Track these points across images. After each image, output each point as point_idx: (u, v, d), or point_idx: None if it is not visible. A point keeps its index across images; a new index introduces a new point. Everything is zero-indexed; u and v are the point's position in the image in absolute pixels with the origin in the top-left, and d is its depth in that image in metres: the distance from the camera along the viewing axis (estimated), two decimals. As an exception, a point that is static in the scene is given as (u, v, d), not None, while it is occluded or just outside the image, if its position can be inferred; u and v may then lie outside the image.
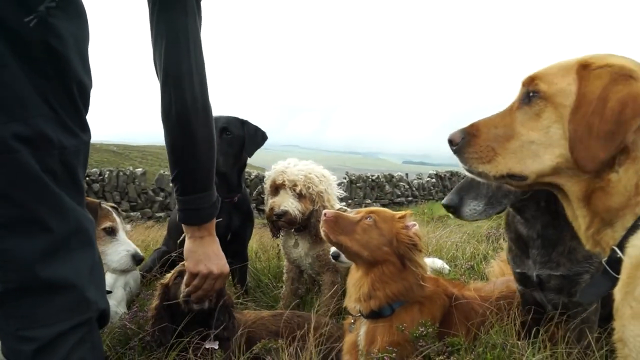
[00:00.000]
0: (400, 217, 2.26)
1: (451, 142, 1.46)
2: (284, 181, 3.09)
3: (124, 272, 2.64)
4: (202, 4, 1.90)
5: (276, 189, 3.14)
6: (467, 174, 1.49)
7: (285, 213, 3.03)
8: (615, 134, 1.21)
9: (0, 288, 1.53)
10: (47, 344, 1.53)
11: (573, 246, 2.06)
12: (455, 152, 1.46)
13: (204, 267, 2.09)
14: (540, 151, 1.34)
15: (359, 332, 2.23)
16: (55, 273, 1.55)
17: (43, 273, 1.52)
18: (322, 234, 2.21)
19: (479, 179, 1.47)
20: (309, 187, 3.07)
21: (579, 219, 1.39)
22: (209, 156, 2.02)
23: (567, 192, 1.38)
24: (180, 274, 2.38)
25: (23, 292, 1.53)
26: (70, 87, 1.56)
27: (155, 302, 2.44)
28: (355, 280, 2.22)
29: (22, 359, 1.53)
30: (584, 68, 1.31)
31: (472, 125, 1.45)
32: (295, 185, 3.08)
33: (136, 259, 2.62)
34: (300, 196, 3.07)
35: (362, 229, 2.18)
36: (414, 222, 2.29)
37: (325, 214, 2.21)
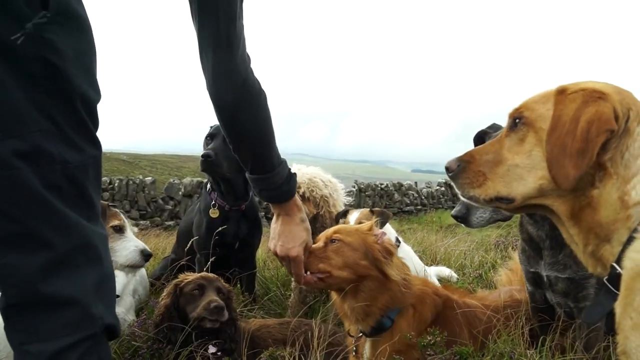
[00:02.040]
0: (368, 229, 2.22)
1: (448, 169, 1.56)
2: None
3: (132, 267, 2.66)
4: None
5: None
6: (462, 198, 1.57)
7: None
8: (585, 151, 1.29)
9: (3, 303, 1.55)
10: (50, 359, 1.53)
11: None
12: (451, 178, 1.56)
13: (289, 250, 2.04)
14: (524, 174, 1.42)
15: (363, 349, 2.23)
16: (57, 289, 1.54)
17: (44, 289, 1.52)
18: (307, 282, 2.12)
19: (470, 202, 1.56)
20: (312, 190, 3.12)
21: (574, 238, 1.44)
22: (262, 137, 1.94)
23: (557, 212, 1.44)
24: (200, 287, 2.39)
25: (25, 308, 1.54)
26: (73, 102, 1.55)
27: (165, 300, 2.44)
28: (346, 305, 2.18)
29: None
30: (561, 93, 1.40)
31: (466, 154, 1.56)
32: (299, 187, 3.14)
33: (144, 254, 2.66)
34: (303, 199, 3.13)
35: (333, 252, 2.13)
36: (383, 231, 2.26)
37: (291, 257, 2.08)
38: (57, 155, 1.51)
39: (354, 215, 3.15)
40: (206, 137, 3.44)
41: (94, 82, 1.65)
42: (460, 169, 1.52)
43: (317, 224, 3.15)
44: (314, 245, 2.19)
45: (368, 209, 3.20)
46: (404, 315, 2.17)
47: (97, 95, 1.66)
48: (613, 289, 1.33)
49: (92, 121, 1.64)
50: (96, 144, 1.65)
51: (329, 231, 2.26)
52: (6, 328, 1.58)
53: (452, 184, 1.56)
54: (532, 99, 1.48)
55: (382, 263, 2.13)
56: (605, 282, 1.36)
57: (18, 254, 1.50)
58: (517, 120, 1.47)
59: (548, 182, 1.38)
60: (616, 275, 1.31)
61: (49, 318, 1.55)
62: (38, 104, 1.47)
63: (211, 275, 2.51)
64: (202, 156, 3.27)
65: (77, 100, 1.56)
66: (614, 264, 1.33)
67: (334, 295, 2.31)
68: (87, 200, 1.63)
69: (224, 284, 2.50)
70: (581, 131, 1.30)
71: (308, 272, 2.10)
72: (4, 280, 1.53)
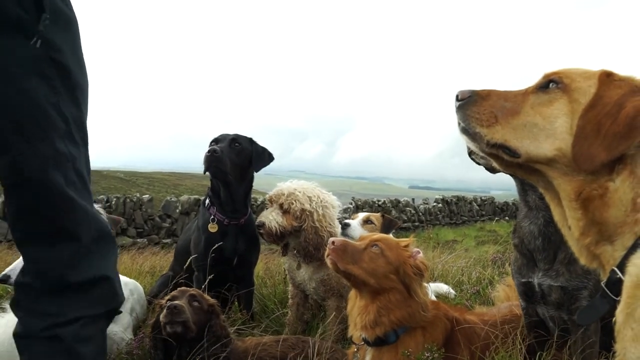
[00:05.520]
0: (405, 246, 2.26)
1: (457, 96, 1.44)
2: (271, 197, 3.25)
3: None
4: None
5: (271, 204, 3.29)
6: (460, 134, 1.44)
7: (262, 225, 3.14)
8: (624, 137, 1.22)
9: (36, 290, 1.68)
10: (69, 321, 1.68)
11: (574, 257, 2.06)
12: (458, 107, 1.43)
13: None
14: (541, 137, 1.34)
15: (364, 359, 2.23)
16: (86, 275, 1.70)
17: (74, 278, 1.68)
18: (329, 262, 2.19)
19: (469, 141, 1.43)
20: (292, 203, 3.13)
21: (570, 221, 1.36)
22: None
23: (558, 189, 1.37)
24: (172, 298, 2.41)
25: (55, 292, 1.68)
26: (76, 95, 1.67)
27: (152, 319, 2.49)
28: (360, 308, 2.21)
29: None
30: (607, 76, 1.35)
31: (484, 90, 1.44)
32: (278, 198, 3.19)
33: None
34: (283, 211, 3.17)
35: (369, 257, 2.17)
36: (418, 250, 2.29)
37: (333, 242, 2.19)
38: (68, 153, 1.64)
39: (362, 213, 3.38)
40: (211, 142, 3.40)
41: (83, 67, 1.75)
42: (471, 100, 1.41)
43: (301, 237, 3.16)
44: (353, 242, 2.25)
45: (380, 213, 3.37)
46: (412, 335, 2.17)
47: (87, 81, 1.76)
48: (610, 294, 1.29)
49: (85, 109, 1.75)
50: (86, 136, 1.76)
51: (374, 236, 2.31)
52: (32, 311, 1.68)
53: (456, 114, 1.43)
54: (574, 70, 1.40)
55: (412, 279, 2.16)
56: (603, 286, 1.32)
57: (50, 248, 1.64)
58: (551, 83, 1.39)
59: (562, 156, 1.31)
60: (616, 281, 1.27)
61: (85, 296, 1.71)
62: (55, 105, 1.59)
63: (189, 288, 2.53)
64: (209, 151, 3.21)
65: (78, 93, 1.69)
66: (615, 269, 1.28)
67: (352, 295, 2.34)
68: (89, 190, 1.77)
69: (205, 297, 2.51)
70: (625, 116, 1.23)
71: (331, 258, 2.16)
72: (37, 271, 1.67)
